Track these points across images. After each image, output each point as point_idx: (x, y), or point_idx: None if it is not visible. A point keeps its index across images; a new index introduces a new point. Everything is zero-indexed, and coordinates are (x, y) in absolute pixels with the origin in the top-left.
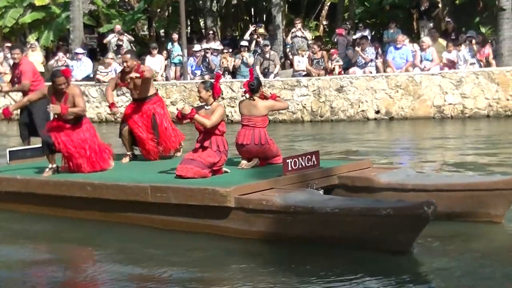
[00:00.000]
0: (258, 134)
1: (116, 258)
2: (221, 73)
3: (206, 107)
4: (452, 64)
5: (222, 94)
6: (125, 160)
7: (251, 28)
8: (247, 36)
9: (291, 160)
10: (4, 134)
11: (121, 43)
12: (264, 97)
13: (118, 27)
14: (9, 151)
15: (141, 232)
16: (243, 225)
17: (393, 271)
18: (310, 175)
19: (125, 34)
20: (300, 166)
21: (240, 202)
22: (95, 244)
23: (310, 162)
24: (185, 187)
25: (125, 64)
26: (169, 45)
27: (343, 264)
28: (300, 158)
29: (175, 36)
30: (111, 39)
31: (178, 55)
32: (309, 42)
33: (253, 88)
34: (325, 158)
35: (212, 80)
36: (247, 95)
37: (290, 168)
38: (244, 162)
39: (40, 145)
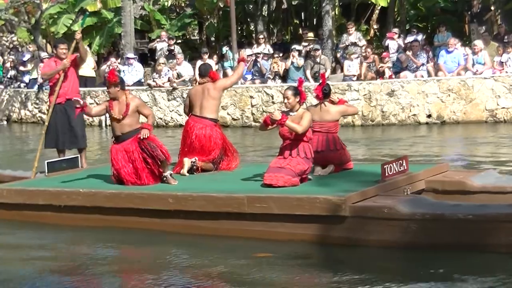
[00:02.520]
0: (332, 139)
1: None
2: (271, 77)
3: (291, 113)
4: (502, 67)
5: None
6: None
7: (304, 36)
8: (300, 47)
9: (387, 166)
10: None
11: (172, 48)
12: (332, 103)
13: (164, 33)
14: (47, 163)
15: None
16: (359, 234)
17: None
18: (404, 180)
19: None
20: (394, 172)
21: (356, 211)
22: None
23: (401, 167)
24: (291, 196)
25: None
26: (224, 50)
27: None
28: (394, 164)
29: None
30: (156, 44)
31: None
32: (361, 46)
33: (326, 93)
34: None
35: (295, 85)
36: (318, 100)
37: (387, 174)
38: (319, 168)
39: (76, 156)
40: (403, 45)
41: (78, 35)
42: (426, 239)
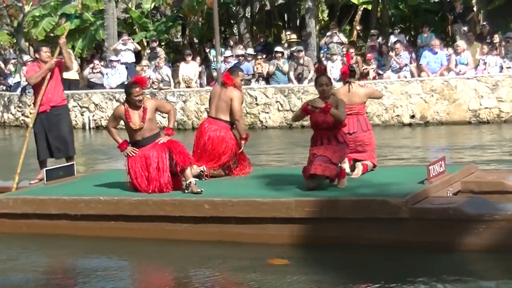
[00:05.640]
0: (363, 120)
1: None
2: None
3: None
4: (485, 68)
5: None
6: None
7: (287, 37)
8: (283, 48)
9: (432, 166)
10: None
11: (155, 46)
12: None
13: (125, 37)
14: (46, 171)
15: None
16: (421, 237)
17: None
18: (446, 182)
19: (131, 40)
20: (437, 173)
21: (418, 213)
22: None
23: (441, 168)
24: (344, 199)
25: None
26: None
27: None
28: (436, 165)
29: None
30: (117, 46)
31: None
32: (343, 47)
33: (353, 70)
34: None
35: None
36: (345, 80)
37: (431, 175)
38: (348, 171)
39: (72, 163)
40: (381, 45)
41: (62, 40)
42: (495, 240)
